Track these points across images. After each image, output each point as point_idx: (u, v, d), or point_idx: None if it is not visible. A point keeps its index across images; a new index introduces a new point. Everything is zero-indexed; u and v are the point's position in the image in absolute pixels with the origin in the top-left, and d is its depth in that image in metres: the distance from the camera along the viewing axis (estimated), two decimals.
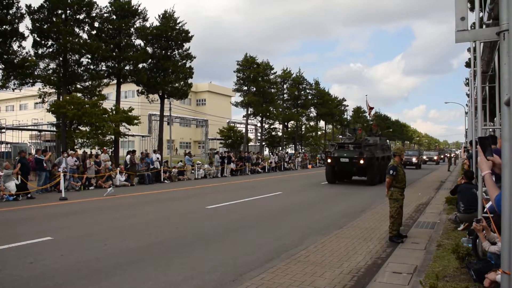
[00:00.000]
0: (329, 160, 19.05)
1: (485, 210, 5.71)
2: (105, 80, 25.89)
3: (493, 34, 3.10)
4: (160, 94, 28.96)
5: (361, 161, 17.65)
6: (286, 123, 48.62)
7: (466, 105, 31.60)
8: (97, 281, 5.05)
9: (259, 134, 51.11)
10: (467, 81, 26.04)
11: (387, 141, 33.77)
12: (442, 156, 57.71)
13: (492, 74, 10.35)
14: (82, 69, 24.23)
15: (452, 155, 43.93)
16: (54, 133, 30.35)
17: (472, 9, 10.26)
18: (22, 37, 20.24)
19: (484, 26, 5.88)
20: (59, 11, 22.41)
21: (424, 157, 46.31)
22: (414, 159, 35.01)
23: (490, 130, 14.64)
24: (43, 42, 22.55)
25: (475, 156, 8.02)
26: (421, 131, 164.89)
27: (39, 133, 38.61)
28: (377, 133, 22.11)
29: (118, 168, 18.73)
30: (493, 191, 2.95)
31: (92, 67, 24.68)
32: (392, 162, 7.33)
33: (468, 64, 24.00)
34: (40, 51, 22.55)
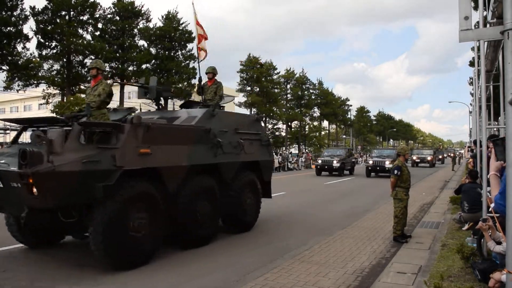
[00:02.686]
0: None
1: (489, 209, 5.69)
2: (108, 81, 25.98)
3: (497, 33, 3.10)
4: None
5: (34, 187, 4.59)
6: (289, 123, 48.63)
7: (470, 104, 31.42)
8: (101, 282, 5.07)
9: None
10: (471, 80, 25.94)
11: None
12: (440, 157, 44.79)
13: (496, 73, 10.30)
14: (85, 70, 24.32)
15: (456, 154, 43.18)
16: None
17: (475, 8, 10.21)
18: (26, 38, 20.37)
19: (488, 25, 5.85)
20: (63, 12, 22.55)
21: (414, 158, 36.94)
22: (387, 163, 22.14)
23: (495, 129, 14.57)
24: (47, 43, 22.69)
25: (479, 155, 7.98)
26: (425, 131, 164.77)
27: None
28: (217, 98, 8.30)
29: None
30: (495, 190, 2.97)
31: None
32: (396, 162, 7.33)
33: (472, 63, 23.85)
34: (44, 52, 22.69)
